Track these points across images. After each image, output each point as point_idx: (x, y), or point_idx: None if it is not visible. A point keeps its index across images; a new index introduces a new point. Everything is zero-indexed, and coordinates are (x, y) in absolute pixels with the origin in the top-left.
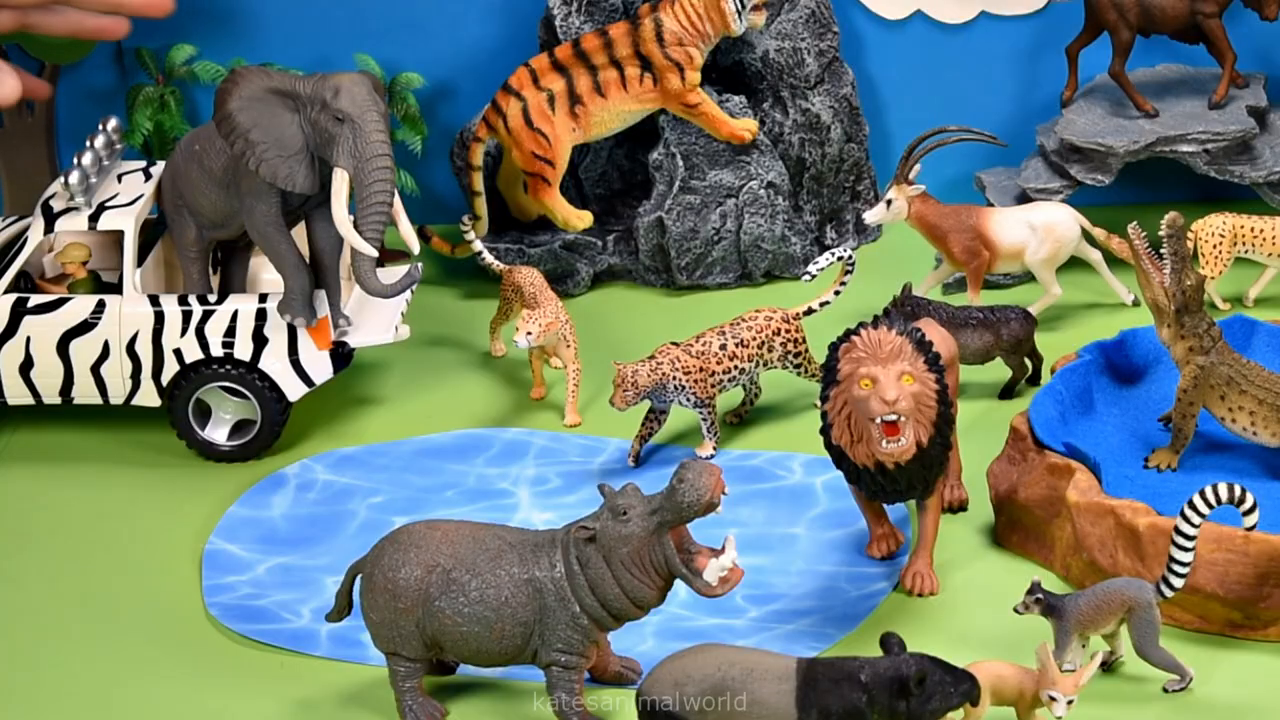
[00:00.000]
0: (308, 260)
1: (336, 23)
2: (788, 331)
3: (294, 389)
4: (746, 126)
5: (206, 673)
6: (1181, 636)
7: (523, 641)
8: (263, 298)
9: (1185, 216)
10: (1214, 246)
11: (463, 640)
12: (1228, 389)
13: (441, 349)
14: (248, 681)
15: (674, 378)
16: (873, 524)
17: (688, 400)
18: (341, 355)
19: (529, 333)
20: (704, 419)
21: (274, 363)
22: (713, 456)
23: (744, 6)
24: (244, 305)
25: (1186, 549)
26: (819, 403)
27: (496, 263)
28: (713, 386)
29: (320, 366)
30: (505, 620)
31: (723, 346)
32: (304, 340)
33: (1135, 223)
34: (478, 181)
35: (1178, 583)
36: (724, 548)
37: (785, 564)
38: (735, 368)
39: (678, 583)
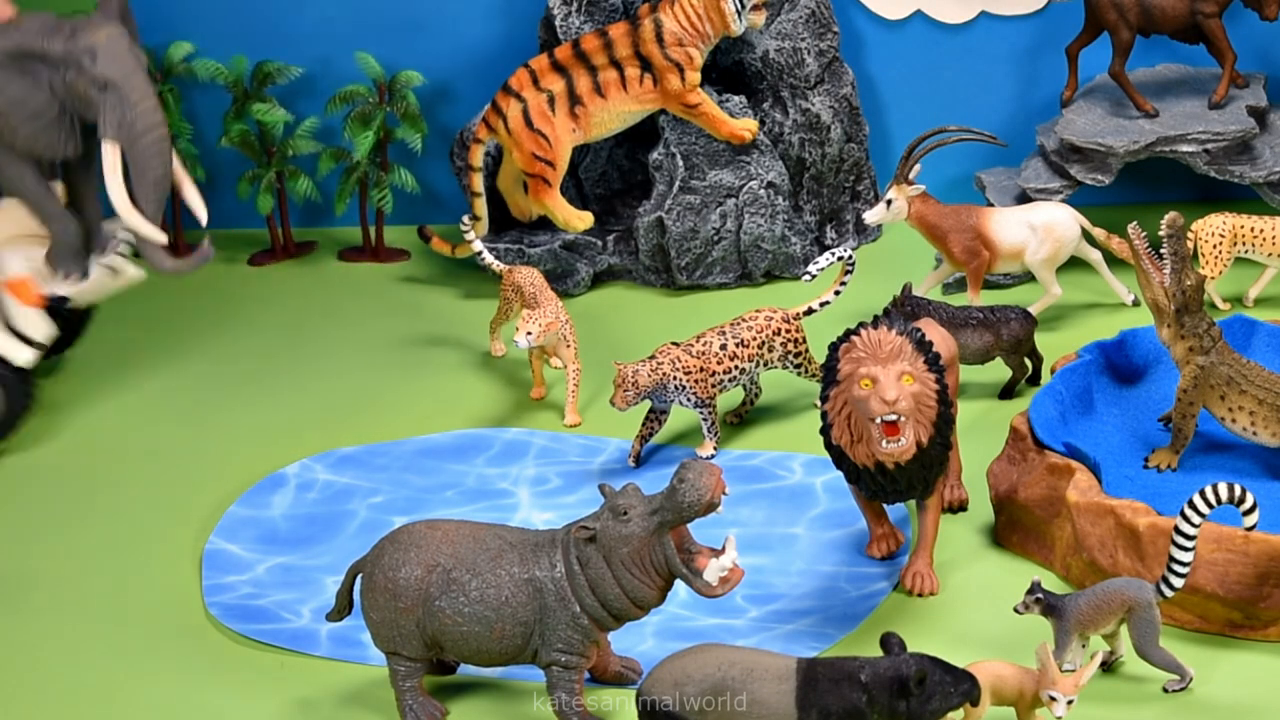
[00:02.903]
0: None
1: (336, 23)
2: (788, 331)
3: (19, 354)
4: (746, 126)
5: (206, 673)
6: (1181, 636)
7: (523, 641)
8: None
9: (1185, 216)
10: (1214, 246)
11: (463, 640)
12: (1228, 389)
13: (441, 349)
14: (248, 681)
15: (674, 378)
16: (873, 524)
17: (688, 400)
18: (61, 311)
19: (529, 333)
20: (704, 419)
21: None
22: (713, 456)
23: (744, 7)
24: None
25: (1186, 549)
26: (819, 403)
27: (496, 263)
28: (713, 386)
29: (38, 325)
30: (505, 620)
31: (723, 346)
32: (10, 304)
33: (1135, 223)
34: (477, 182)
35: (1178, 583)
36: (724, 548)
37: (785, 564)
38: (735, 368)
39: (678, 583)
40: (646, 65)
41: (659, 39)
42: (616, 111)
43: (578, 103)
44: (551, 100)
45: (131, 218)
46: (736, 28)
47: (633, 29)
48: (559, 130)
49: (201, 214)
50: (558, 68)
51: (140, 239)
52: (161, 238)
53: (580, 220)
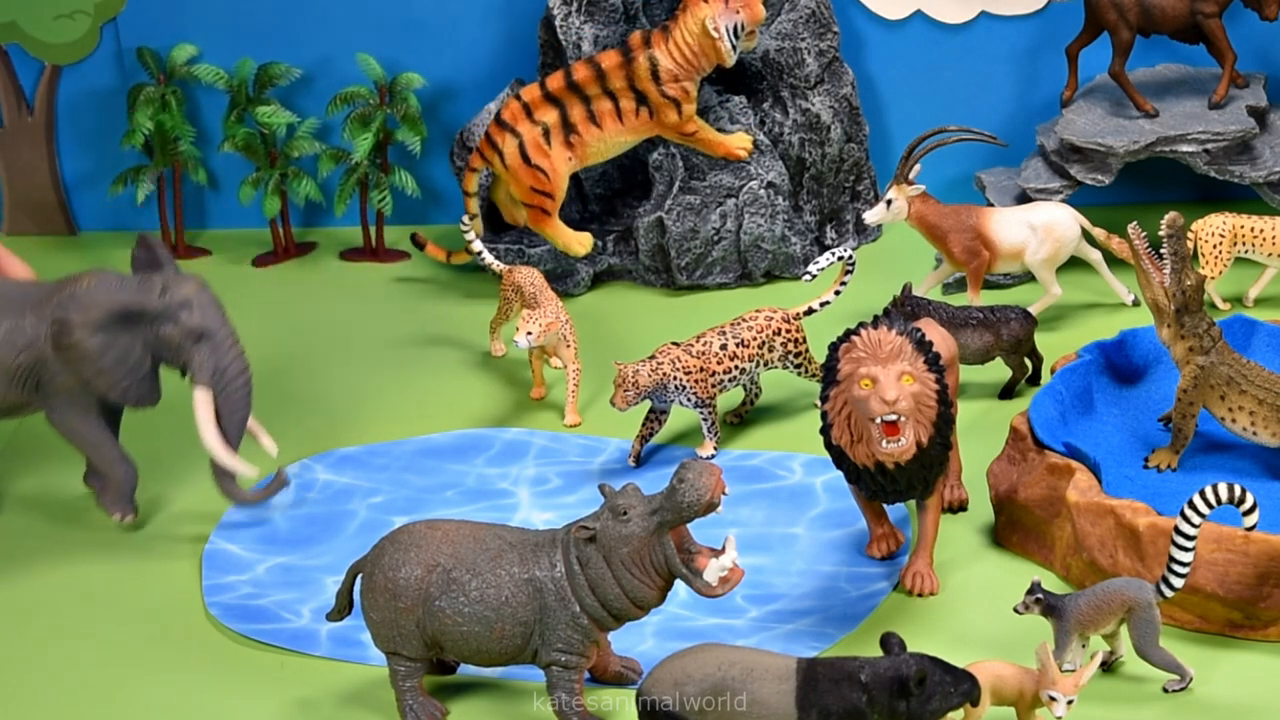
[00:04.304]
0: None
1: (336, 23)
2: (788, 331)
3: None
4: (741, 144)
5: (206, 673)
6: (1181, 636)
7: (523, 641)
8: None
9: (1185, 216)
10: (1214, 246)
11: (463, 640)
12: (1228, 389)
13: (441, 349)
14: (248, 681)
15: (675, 378)
16: (873, 524)
17: (688, 400)
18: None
19: (529, 333)
20: (704, 419)
21: None
22: (713, 456)
23: (738, 39)
24: None
25: (1186, 549)
26: (819, 403)
27: (497, 263)
28: (713, 386)
29: None
30: (505, 620)
31: (723, 346)
32: None
33: (1135, 223)
34: (473, 205)
35: (1178, 583)
36: (724, 548)
37: (785, 564)
38: (736, 368)
39: (678, 583)
40: (642, 99)
41: (655, 77)
42: (612, 141)
43: (573, 131)
44: (546, 133)
45: (227, 458)
46: (730, 60)
47: (626, 63)
48: (555, 161)
49: (273, 450)
50: (550, 99)
51: (219, 476)
52: (254, 471)
53: (580, 245)
